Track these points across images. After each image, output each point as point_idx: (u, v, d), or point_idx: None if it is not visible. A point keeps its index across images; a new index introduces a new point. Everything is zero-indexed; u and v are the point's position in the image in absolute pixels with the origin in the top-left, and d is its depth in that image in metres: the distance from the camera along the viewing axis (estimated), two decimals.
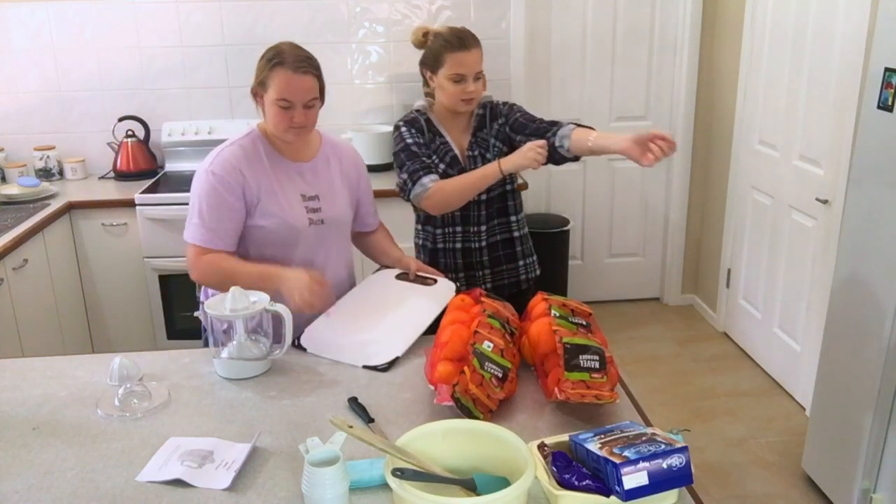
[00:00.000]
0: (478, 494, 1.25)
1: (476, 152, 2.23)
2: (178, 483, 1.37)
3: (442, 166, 2.21)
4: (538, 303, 1.77)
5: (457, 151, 2.22)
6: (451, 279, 2.25)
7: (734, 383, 3.55)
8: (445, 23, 3.81)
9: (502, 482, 1.27)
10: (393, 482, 1.17)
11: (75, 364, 1.84)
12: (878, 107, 2.28)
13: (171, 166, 3.75)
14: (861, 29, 2.75)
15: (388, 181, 3.53)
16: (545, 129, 2.14)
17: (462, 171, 2.20)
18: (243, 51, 3.68)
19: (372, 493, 1.34)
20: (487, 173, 2.11)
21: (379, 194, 3.24)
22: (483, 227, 2.27)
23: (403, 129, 2.22)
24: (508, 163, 2.08)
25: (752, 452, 3.01)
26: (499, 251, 2.32)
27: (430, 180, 2.14)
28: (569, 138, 2.08)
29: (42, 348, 3.02)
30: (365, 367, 1.76)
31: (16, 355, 2.72)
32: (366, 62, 3.85)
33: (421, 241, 2.37)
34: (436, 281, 2.10)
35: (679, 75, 4.05)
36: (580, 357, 1.55)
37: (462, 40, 2.10)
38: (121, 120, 3.70)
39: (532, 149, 2.04)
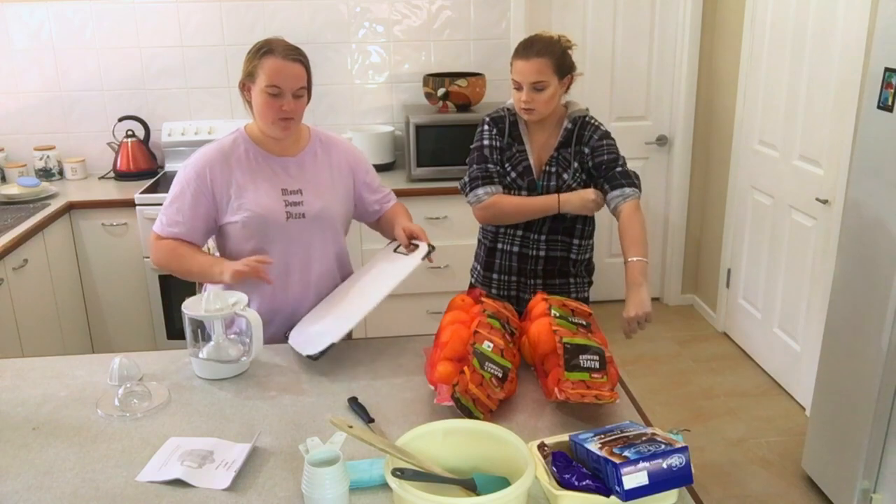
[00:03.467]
0: (478, 494, 1.25)
1: (554, 169, 2.14)
2: (178, 483, 1.37)
3: (513, 174, 2.15)
4: (538, 303, 1.77)
5: (531, 161, 2.16)
6: (503, 281, 2.28)
7: (734, 383, 3.55)
8: (445, 23, 3.81)
9: (502, 482, 1.27)
10: (393, 482, 1.17)
11: (75, 364, 1.85)
12: (878, 107, 2.28)
13: (171, 166, 3.75)
14: (861, 29, 2.75)
15: (388, 181, 3.51)
16: (615, 186, 2.11)
17: (532, 183, 2.14)
18: (243, 51, 3.59)
19: (372, 493, 1.34)
20: (546, 207, 2.13)
21: None
22: (542, 238, 2.20)
23: (486, 126, 2.19)
24: (568, 204, 2.11)
25: (752, 452, 3.01)
26: (555, 266, 2.23)
27: (485, 192, 2.13)
28: (619, 213, 2.10)
29: (42, 348, 3.02)
30: (308, 356, 1.77)
31: (16, 355, 2.72)
32: (366, 62, 3.85)
33: (481, 237, 2.33)
34: (417, 246, 2.01)
35: (679, 75, 4.05)
36: (580, 357, 1.55)
37: (524, 48, 2.06)
38: (121, 120, 3.70)
39: (593, 200, 2.11)
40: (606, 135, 2.17)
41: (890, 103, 2.23)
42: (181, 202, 1.94)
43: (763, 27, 3.48)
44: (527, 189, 2.15)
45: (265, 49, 1.88)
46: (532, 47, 2.04)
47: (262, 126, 1.94)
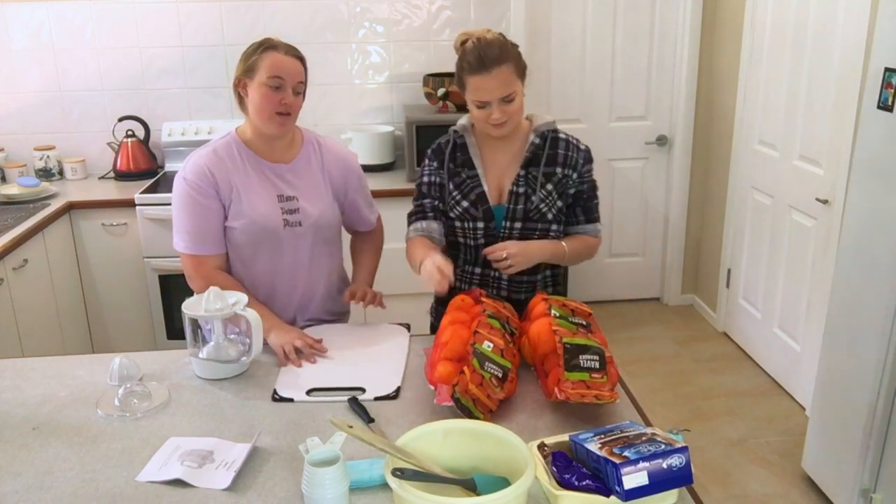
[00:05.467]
0: (478, 494, 1.25)
1: (522, 189, 1.89)
2: (178, 483, 1.37)
3: (465, 203, 1.91)
4: (538, 303, 1.76)
5: (486, 187, 1.91)
6: None
7: (734, 383, 3.55)
8: (445, 23, 3.81)
9: (502, 482, 1.27)
10: (393, 482, 1.17)
11: (75, 364, 1.84)
12: (878, 107, 2.28)
13: (171, 166, 3.75)
14: (861, 29, 2.75)
15: (388, 181, 3.54)
16: (591, 219, 2.00)
17: (488, 212, 1.90)
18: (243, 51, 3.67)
19: (372, 493, 1.33)
20: (415, 263, 1.87)
21: (379, 194, 3.26)
22: (504, 277, 1.95)
23: (426, 161, 1.99)
24: (423, 269, 1.79)
25: (752, 452, 3.01)
26: (522, 307, 1.89)
27: (414, 230, 1.97)
28: (576, 236, 1.99)
29: (42, 348, 3.02)
30: (376, 398, 1.65)
31: (16, 355, 2.72)
32: (366, 62, 3.85)
33: None
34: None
35: (679, 75, 4.05)
36: (580, 357, 1.55)
37: (481, 61, 1.76)
38: (121, 120, 3.70)
39: (435, 281, 1.74)
40: (589, 157, 1.97)
41: (890, 103, 2.23)
42: (199, 215, 1.91)
43: (763, 27, 3.48)
44: (483, 219, 1.91)
45: (266, 45, 1.89)
46: (487, 58, 1.76)
47: (258, 123, 1.92)
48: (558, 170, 1.92)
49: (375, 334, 1.97)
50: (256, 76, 1.87)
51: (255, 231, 1.94)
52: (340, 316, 2.17)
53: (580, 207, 1.98)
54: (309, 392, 1.67)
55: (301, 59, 1.92)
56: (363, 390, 1.67)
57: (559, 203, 1.93)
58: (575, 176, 1.94)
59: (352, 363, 1.82)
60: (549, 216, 1.91)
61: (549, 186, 1.91)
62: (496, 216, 1.92)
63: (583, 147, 1.97)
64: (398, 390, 1.68)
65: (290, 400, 1.65)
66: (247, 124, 1.98)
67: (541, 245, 1.90)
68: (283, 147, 1.98)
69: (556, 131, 1.95)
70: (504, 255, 1.82)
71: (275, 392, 1.67)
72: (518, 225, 1.91)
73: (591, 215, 2.01)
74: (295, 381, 1.73)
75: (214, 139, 2.00)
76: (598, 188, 2.02)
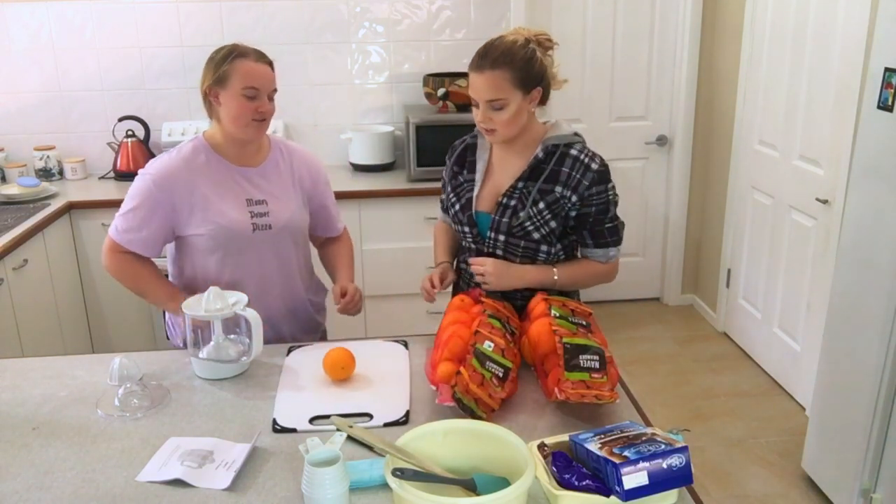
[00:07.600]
0: (478, 494, 1.25)
1: (513, 202, 1.80)
2: (178, 483, 1.37)
3: (456, 206, 1.90)
4: (538, 303, 1.76)
5: (475, 193, 1.86)
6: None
7: (734, 383, 3.55)
8: (445, 23, 3.81)
9: (502, 482, 1.27)
10: (393, 482, 1.17)
11: (75, 364, 1.85)
12: (878, 107, 2.28)
13: None
14: (861, 29, 2.75)
15: (388, 181, 3.54)
16: (601, 244, 1.85)
17: (471, 219, 1.86)
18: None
19: (372, 493, 1.34)
20: (433, 254, 2.05)
21: (379, 194, 3.27)
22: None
23: (448, 156, 2.00)
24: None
25: (752, 452, 3.01)
26: (521, 310, 1.84)
27: (440, 218, 2.11)
28: (590, 262, 1.88)
29: (42, 348, 3.01)
30: (385, 424, 1.56)
31: (16, 355, 2.72)
32: (366, 62, 3.85)
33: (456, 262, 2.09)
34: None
35: (679, 75, 4.05)
36: (580, 357, 1.55)
37: (479, 57, 1.74)
38: (121, 120, 3.70)
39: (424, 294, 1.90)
40: (600, 177, 1.78)
41: (890, 103, 2.23)
42: (139, 212, 1.90)
43: (763, 27, 3.48)
44: (468, 225, 1.87)
45: (235, 53, 1.88)
46: (486, 57, 1.72)
47: (233, 130, 1.92)
48: (557, 189, 1.78)
49: (373, 354, 1.84)
50: (229, 86, 1.87)
51: (222, 236, 1.91)
52: (322, 319, 2.20)
53: (587, 231, 1.84)
54: (312, 420, 1.58)
55: (270, 64, 1.92)
56: (370, 416, 1.58)
57: (552, 224, 1.79)
58: (574, 198, 1.78)
59: (353, 387, 1.71)
60: (536, 236, 1.80)
61: (542, 205, 1.78)
62: (481, 224, 1.86)
63: (594, 167, 1.78)
64: (408, 414, 1.58)
65: (293, 430, 1.55)
66: (216, 128, 1.98)
67: (524, 271, 1.83)
68: (252, 151, 1.99)
69: (569, 146, 1.80)
70: (482, 272, 1.82)
71: (275, 422, 1.57)
72: (502, 238, 1.83)
73: (601, 239, 1.84)
74: (295, 409, 1.62)
75: (182, 143, 1.99)
76: (612, 210, 1.83)
